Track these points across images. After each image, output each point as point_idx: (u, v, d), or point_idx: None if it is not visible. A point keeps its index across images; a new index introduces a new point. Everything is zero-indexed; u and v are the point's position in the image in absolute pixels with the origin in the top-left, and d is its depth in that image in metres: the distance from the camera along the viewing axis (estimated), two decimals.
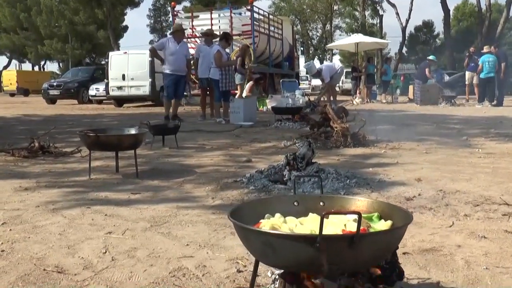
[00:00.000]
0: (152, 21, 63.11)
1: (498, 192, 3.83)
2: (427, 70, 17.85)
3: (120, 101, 18.87)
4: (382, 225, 1.73)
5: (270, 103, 13.72)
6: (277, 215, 1.87)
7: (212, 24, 16.70)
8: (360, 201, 1.90)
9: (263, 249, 1.52)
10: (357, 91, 19.96)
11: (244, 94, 14.16)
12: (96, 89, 20.63)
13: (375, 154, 5.98)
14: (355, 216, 1.79)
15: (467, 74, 17.82)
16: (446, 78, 20.11)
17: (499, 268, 2.29)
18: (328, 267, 1.44)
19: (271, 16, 20.22)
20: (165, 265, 2.34)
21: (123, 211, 3.37)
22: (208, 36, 11.55)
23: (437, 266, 2.31)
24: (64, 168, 5.19)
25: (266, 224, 1.73)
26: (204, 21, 17.43)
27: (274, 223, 1.76)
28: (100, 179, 4.60)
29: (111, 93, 18.20)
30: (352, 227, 1.66)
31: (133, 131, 4.85)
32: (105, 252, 2.53)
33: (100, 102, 21.09)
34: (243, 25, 17.29)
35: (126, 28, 52.27)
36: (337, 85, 19.37)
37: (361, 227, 1.65)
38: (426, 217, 3.16)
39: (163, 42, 10.48)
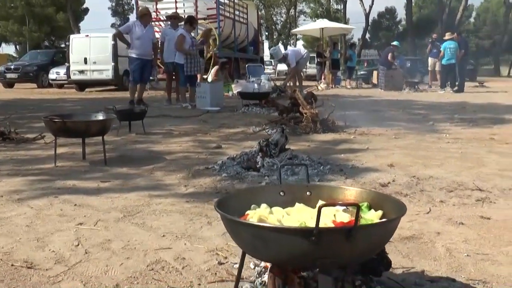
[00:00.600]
0: (113, 4, 61.72)
1: (470, 178, 3.86)
2: (389, 55, 17.99)
3: (82, 85, 18.38)
4: (373, 215, 1.68)
5: (236, 88, 13.59)
6: (263, 205, 1.80)
7: (176, 8, 16.36)
8: (349, 190, 1.85)
9: (254, 243, 1.44)
10: (322, 77, 19.98)
11: (209, 79, 13.98)
12: (56, 73, 20.06)
13: (345, 140, 5.98)
14: (344, 206, 1.74)
15: (430, 60, 18.05)
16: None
17: (479, 255, 2.29)
18: (322, 261, 1.38)
19: (236, 0, 19.99)
20: (142, 257, 2.25)
21: (93, 200, 3.24)
22: (174, 19, 11.30)
23: (419, 254, 2.29)
24: (27, 155, 4.99)
25: (253, 216, 1.66)
26: (168, 4, 17.05)
27: (261, 214, 1.69)
28: (67, 166, 4.44)
29: (73, 77, 17.73)
30: (343, 218, 1.60)
31: (101, 117, 4.69)
32: (78, 244, 2.41)
33: (61, 86, 20.50)
34: (208, 8, 17.01)
35: (86, 10, 50.74)
36: (303, 70, 19.27)
37: (352, 218, 1.60)
38: None
39: (129, 25, 10.20)
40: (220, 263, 2.17)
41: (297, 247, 1.36)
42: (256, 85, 12.42)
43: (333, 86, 19.58)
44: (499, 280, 2.02)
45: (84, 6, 50.00)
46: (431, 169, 4.19)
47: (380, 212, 1.69)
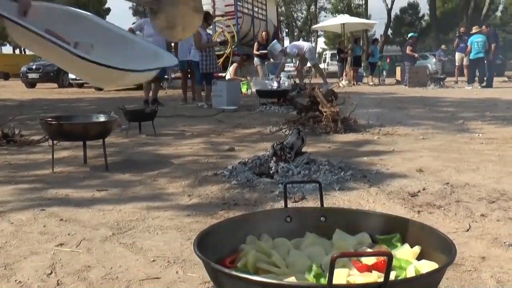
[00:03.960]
0: (134, 4, 61.80)
1: None
2: (408, 48, 17.50)
3: None
4: (407, 253, 1.27)
5: (254, 86, 13.19)
6: (264, 236, 1.40)
7: None
8: (374, 216, 1.43)
9: None
10: (343, 74, 19.47)
11: (227, 77, 13.63)
12: None
13: (368, 141, 5.53)
14: (370, 239, 1.33)
15: (457, 55, 17.42)
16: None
17: None
18: None
19: None
20: None
21: (83, 214, 2.87)
22: None
23: None
24: (27, 160, 4.66)
25: (247, 254, 1.26)
26: None
27: (262, 249, 1.29)
28: (65, 172, 4.09)
29: None
30: (367, 261, 1.19)
31: (101, 118, 4.34)
32: (51, 272, 2.03)
33: (80, 85, 20.32)
34: (226, 5, 16.64)
35: (108, 10, 50.89)
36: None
37: (380, 259, 1.19)
38: (436, 218, 2.72)
39: (140, 23, 9.86)
40: None
41: None
42: (275, 83, 12.02)
43: (355, 83, 19.08)
44: None
45: (106, 6, 50.14)
46: (466, 175, 3.73)
47: (417, 249, 1.27)
